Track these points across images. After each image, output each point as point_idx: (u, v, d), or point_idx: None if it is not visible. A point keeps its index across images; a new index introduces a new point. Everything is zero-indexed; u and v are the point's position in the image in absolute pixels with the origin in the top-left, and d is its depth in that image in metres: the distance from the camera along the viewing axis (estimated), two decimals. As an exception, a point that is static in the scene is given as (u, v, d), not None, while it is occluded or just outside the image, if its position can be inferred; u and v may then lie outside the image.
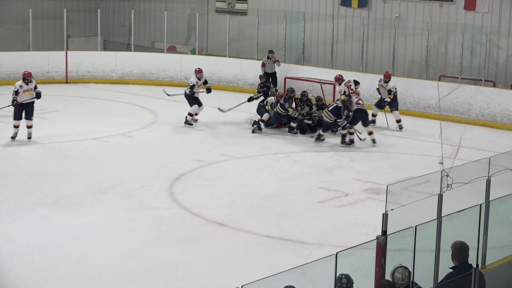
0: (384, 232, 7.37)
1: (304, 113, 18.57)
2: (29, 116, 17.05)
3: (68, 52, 25.49)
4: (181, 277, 10.27)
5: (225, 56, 25.25)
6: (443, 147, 8.39)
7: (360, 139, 17.65)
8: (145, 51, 26.75)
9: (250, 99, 20.29)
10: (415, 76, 22.26)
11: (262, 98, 20.00)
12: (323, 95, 20.25)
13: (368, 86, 20.93)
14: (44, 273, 10.23)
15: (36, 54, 24.83)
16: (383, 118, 19.47)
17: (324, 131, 17.93)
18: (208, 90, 19.23)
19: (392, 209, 7.41)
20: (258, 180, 14.83)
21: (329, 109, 17.89)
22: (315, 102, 19.20)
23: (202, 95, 19.31)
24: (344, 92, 18.84)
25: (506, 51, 21.18)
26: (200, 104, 19.15)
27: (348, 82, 19.06)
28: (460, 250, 7.56)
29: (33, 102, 17.10)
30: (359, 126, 17.80)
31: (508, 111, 19.88)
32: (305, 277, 6.69)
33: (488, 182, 8.62)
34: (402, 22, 22.93)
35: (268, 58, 22.61)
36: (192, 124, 19.03)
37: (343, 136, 17.67)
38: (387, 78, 19.31)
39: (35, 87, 17.09)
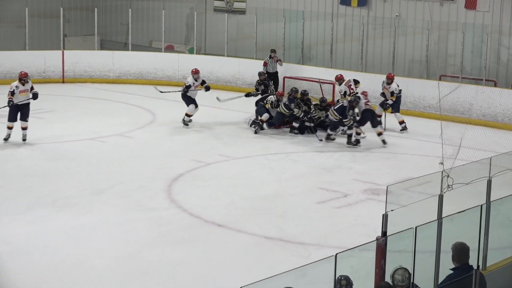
0: (384, 233, 7.39)
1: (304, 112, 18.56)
2: (24, 118, 16.88)
3: (65, 51, 25.50)
4: (179, 278, 10.28)
5: (224, 56, 25.27)
6: (444, 147, 8.41)
7: (361, 138, 17.77)
8: (142, 50, 26.77)
9: (248, 95, 20.29)
10: (415, 76, 22.27)
11: (260, 96, 19.98)
12: (323, 94, 20.28)
13: (368, 85, 20.93)
14: (42, 274, 10.23)
15: (32, 53, 24.85)
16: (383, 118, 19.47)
17: (332, 130, 17.94)
18: (207, 88, 19.20)
19: (392, 210, 7.42)
20: (257, 180, 14.84)
21: (335, 108, 17.88)
22: (318, 103, 19.20)
23: (200, 94, 19.29)
24: (345, 92, 18.86)
25: (507, 50, 21.20)
26: (196, 105, 19.08)
27: (348, 82, 19.07)
28: (460, 251, 7.58)
29: (29, 103, 16.95)
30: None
31: (510, 111, 19.91)
32: (304, 278, 6.71)
33: (489, 183, 8.63)
34: (402, 21, 22.95)
35: (270, 57, 22.58)
36: (187, 125, 19.00)
37: (349, 136, 17.66)
38: (389, 80, 19.18)
39: (32, 88, 16.94)
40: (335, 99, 19.75)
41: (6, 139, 16.93)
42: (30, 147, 16.62)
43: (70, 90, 23.99)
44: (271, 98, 19.22)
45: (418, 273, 7.54)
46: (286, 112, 18.45)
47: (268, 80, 20.64)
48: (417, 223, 7.60)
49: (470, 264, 7.60)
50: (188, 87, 18.87)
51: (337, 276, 6.86)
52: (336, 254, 6.77)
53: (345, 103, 17.73)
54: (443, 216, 7.88)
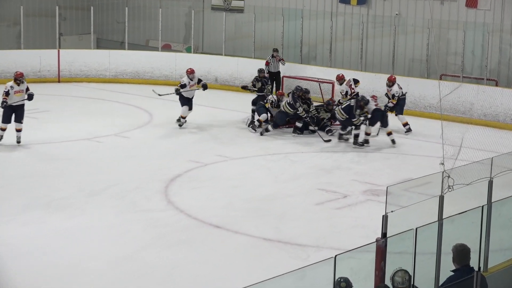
0: (384, 235, 7.37)
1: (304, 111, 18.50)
2: (19, 119, 16.67)
3: (61, 50, 25.48)
4: (177, 280, 10.27)
5: (221, 55, 25.25)
6: (444, 148, 8.40)
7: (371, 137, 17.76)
8: (139, 49, 26.75)
9: (244, 87, 20.17)
10: (415, 75, 22.27)
11: (256, 95, 19.87)
12: (322, 94, 20.27)
13: (368, 85, 20.94)
14: (37, 276, 10.22)
15: (27, 53, 24.82)
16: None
17: (343, 129, 17.88)
18: (204, 87, 19.08)
19: (392, 211, 7.41)
20: (255, 181, 14.83)
21: (342, 107, 17.86)
22: (323, 104, 19.18)
23: (198, 93, 19.20)
24: (346, 92, 18.87)
25: (509, 49, 21.20)
26: (190, 107, 18.93)
27: (348, 81, 19.10)
28: (461, 252, 7.57)
29: (23, 105, 16.73)
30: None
31: (511, 111, 19.90)
32: (303, 280, 6.70)
33: (490, 183, 8.63)
34: (402, 19, 22.94)
35: (272, 56, 22.43)
36: (181, 125, 18.91)
37: (356, 136, 17.62)
38: (389, 82, 18.83)
39: (27, 89, 16.72)
40: (336, 99, 19.72)
41: None
42: (24, 148, 16.59)
43: (65, 89, 23.97)
44: (272, 97, 19.23)
45: (419, 275, 7.54)
46: (290, 111, 18.30)
47: (267, 78, 20.48)
48: (417, 224, 7.60)
49: (471, 265, 7.59)
50: (182, 86, 18.75)
51: (336, 278, 6.85)
52: (336, 256, 6.76)
53: (352, 102, 17.69)
54: (443, 217, 7.88)
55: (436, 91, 18.32)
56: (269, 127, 18.49)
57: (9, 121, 16.69)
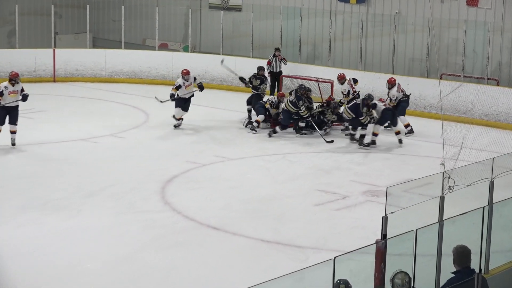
0: (383, 236, 7.38)
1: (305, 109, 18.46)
2: (13, 121, 16.52)
3: (56, 49, 25.48)
4: (173, 283, 10.27)
5: (219, 54, 25.25)
6: (445, 148, 8.41)
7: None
8: (136, 48, 26.76)
9: (241, 79, 20.05)
10: (415, 74, 22.28)
11: (252, 93, 19.83)
12: (321, 93, 20.27)
13: (367, 84, 20.95)
14: (33, 278, 10.22)
15: (22, 52, 24.82)
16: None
17: (353, 129, 17.82)
18: (201, 88, 19.03)
19: (392, 212, 7.42)
20: (253, 182, 14.84)
21: (348, 106, 17.82)
22: (322, 103, 19.19)
23: (195, 94, 19.19)
24: (348, 91, 18.87)
25: (510, 48, 21.21)
26: (185, 109, 18.82)
27: (349, 81, 19.11)
28: (462, 254, 7.58)
29: (18, 106, 16.57)
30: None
31: (512, 111, 19.93)
32: (302, 282, 6.71)
33: (491, 184, 8.64)
34: (402, 18, 22.96)
35: (274, 56, 22.27)
36: (176, 126, 18.85)
37: (361, 136, 17.59)
38: (388, 85, 18.71)
39: (22, 90, 16.57)
40: (336, 99, 19.73)
41: None
42: (20, 148, 16.56)
43: (61, 89, 23.97)
44: (272, 98, 19.26)
45: (419, 277, 7.54)
46: (293, 109, 18.26)
47: (265, 77, 20.34)
48: (417, 225, 7.60)
49: (472, 267, 7.59)
50: (178, 88, 18.65)
51: (335, 280, 6.86)
52: (335, 258, 6.77)
53: (358, 101, 17.67)
54: (444, 219, 7.89)
55: (436, 90, 18.33)
56: (277, 128, 18.38)
57: (3, 123, 16.54)
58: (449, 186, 7.88)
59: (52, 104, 21.70)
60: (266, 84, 20.09)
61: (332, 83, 20.32)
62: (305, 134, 18.54)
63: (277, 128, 18.41)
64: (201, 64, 24.79)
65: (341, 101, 19.14)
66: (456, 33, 21.86)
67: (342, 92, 19.11)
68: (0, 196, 13.63)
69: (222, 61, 20.60)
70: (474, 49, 21.71)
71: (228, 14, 26.47)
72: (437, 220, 7.88)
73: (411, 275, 7.37)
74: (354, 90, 19.11)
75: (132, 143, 17.56)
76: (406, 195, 8.05)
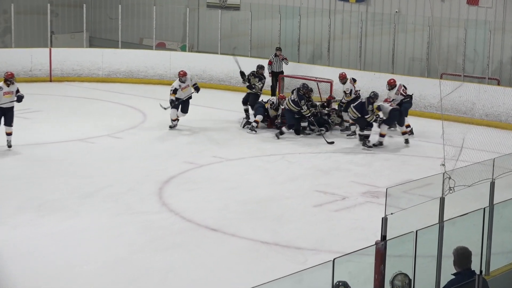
0: (383, 237, 7.38)
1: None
2: (9, 123, 16.41)
3: (52, 49, 25.47)
4: (171, 285, 10.27)
5: (217, 53, 25.26)
6: (445, 148, 8.41)
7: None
8: (133, 48, 26.75)
9: (242, 73, 20.01)
10: (415, 74, 22.30)
11: (248, 92, 19.82)
12: (320, 93, 20.27)
13: (367, 84, 20.93)
14: (28, 280, 10.22)
15: (18, 51, 24.81)
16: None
17: (362, 130, 17.71)
18: (197, 89, 18.96)
19: (391, 213, 7.42)
20: (251, 183, 14.84)
21: (354, 105, 17.76)
22: (323, 103, 19.19)
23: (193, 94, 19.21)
24: (351, 90, 18.84)
25: (511, 47, 21.22)
26: (184, 111, 18.76)
27: (351, 80, 19.10)
28: (462, 256, 7.58)
29: (13, 107, 16.45)
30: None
31: (513, 111, 19.94)
32: (301, 284, 6.71)
33: (492, 185, 8.65)
34: (402, 17, 22.97)
35: (275, 55, 22.07)
36: (172, 127, 18.77)
37: (366, 137, 17.54)
38: (388, 86, 18.80)
39: (17, 91, 16.43)
40: (337, 99, 19.73)
41: None
42: (15, 149, 16.53)
43: (57, 89, 23.96)
44: (273, 99, 19.28)
45: (419, 279, 7.54)
46: (294, 108, 18.19)
47: (264, 76, 20.27)
48: (417, 226, 7.60)
49: (472, 269, 7.60)
50: (175, 91, 18.56)
51: (334, 282, 6.86)
52: (334, 259, 6.77)
53: (364, 99, 17.64)
54: (444, 220, 7.89)
55: (436, 90, 18.32)
56: (284, 128, 18.29)
57: None
58: (450, 187, 7.88)
59: (48, 104, 21.69)
60: (261, 83, 20.00)
61: (331, 82, 20.33)
62: (309, 134, 18.51)
63: (284, 129, 18.28)
64: (199, 63, 24.80)
65: (342, 100, 19.11)
66: (457, 32, 21.86)
67: (344, 92, 19.03)
68: (-5, 197, 13.64)
69: (235, 59, 20.60)
70: (474, 48, 21.72)
71: (226, 13, 26.47)
72: (437, 221, 7.88)
73: (411, 276, 7.37)
74: (356, 89, 19.11)
75: (129, 144, 17.55)
76: (406, 196, 8.05)
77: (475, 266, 7.77)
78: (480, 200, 8.69)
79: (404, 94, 18.64)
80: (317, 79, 20.75)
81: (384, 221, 7.39)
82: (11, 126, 16.51)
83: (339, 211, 13.25)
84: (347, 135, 18.51)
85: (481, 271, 8.10)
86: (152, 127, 19.12)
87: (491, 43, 21.06)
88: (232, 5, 26.99)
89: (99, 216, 12.72)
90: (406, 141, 17.89)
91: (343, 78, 19.12)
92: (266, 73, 21.51)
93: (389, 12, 23.26)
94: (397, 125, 18.18)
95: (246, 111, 19.67)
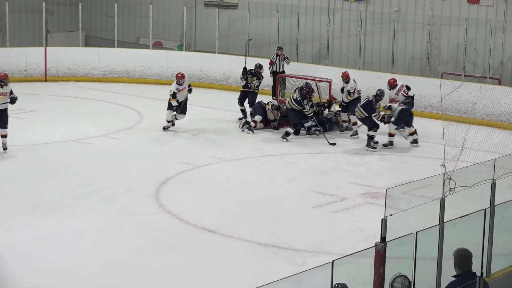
0: (383, 239, 7.39)
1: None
2: (3, 125, 16.31)
3: (47, 48, 25.45)
4: (168, 287, 10.27)
5: (214, 53, 25.25)
6: (446, 149, 8.42)
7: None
8: (129, 47, 26.75)
9: (245, 69, 19.95)
10: (415, 73, 22.31)
11: (244, 91, 19.83)
12: (319, 93, 20.27)
13: (366, 84, 20.93)
14: (23, 283, 10.21)
15: (13, 51, 24.80)
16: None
17: (370, 130, 17.60)
18: (189, 91, 18.89)
19: (391, 215, 7.42)
20: (249, 184, 14.84)
21: (361, 104, 17.69)
22: (323, 103, 19.20)
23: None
24: (354, 89, 18.82)
25: (512, 46, 21.27)
26: (183, 112, 18.68)
27: (352, 80, 19.10)
28: (463, 257, 7.58)
29: (7, 109, 16.34)
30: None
31: (514, 111, 19.95)
32: (299, 286, 6.70)
33: (493, 186, 8.65)
34: (402, 16, 22.97)
35: (277, 55, 21.96)
36: (165, 128, 18.69)
37: (371, 138, 17.48)
38: (389, 86, 18.77)
39: (11, 92, 16.30)
40: (338, 99, 19.73)
41: None
42: (10, 149, 16.50)
43: (53, 89, 23.95)
44: (273, 101, 19.28)
45: (419, 281, 7.55)
46: (296, 107, 18.11)
47: (261, 76, 20.24)
48: (417, 228, 7.60)
49: (473, 271, 7.60)
50: (174, 96, 18.49)
51: (333, 284, 6.85)
52: (333, 261, 6.77)
53: (371, 97, 17.59)
54: (445, 221, 7.89)
55: (437, 90, 18.30)
56: (289, 129, 18.19)
57: None
58: (450, 188, 7.88)
59: (43, 104, 21.68)
60: (258, 82, 19.96)
61: (330, 82, 20.32)
62: (314, 134, 18.47)
63: (289, 130, 18.17)
64: (196, 63, 24.80)
65: (345, 100, 19.02)
66: (457, 31, 21.87)
67: (348, 91, 18.90)
68: (-11, 198, 13.64)
69: (250, 40, 20.55)
70: (475, 47, 21.73)
71: (223, 12, 26.46)
72: (437, 223, 7.88)
73: (411, 279, 7.37)
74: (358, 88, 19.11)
75: (126, 144, 17.55)
76: (406, 197, 8.05)
77: (476, 268, 7.77)
78: (481, 201, 8.69)
79: (405, 94, 18.64)
80: (316, 79, 20.73)
81: (384, 222, 7.39)
82: (6, 128, 16.41)
83: (338, 212, 13.26)
84: (350, 136, 18.52)
85: (482, 273, 8.10)
86: (149, 127, 19.11)
87: (492, 42, 21.06)
88: (229, 3, 26.98)
89: (96, 217, 12.72)
90: (415, 141, 17.85)
91: (346, 77, 19.02)
92: (267, 73, 21.52)
93: (388, 11, 23.27)
94: (405, 126, 18.09)
95: (243, 111, 19.66)
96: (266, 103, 19.29)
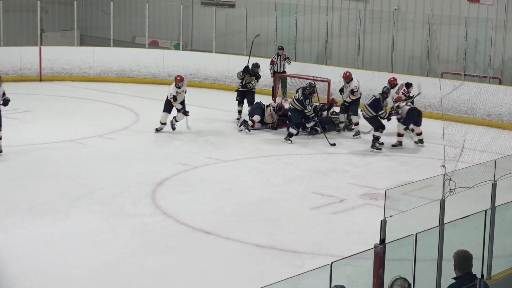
0: (382, 241, 7.39)
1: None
2: None
3: (42, 47, 25.44)
4: (164, 290, 10.29)
5: (212, 52, 25.25)
6: (446, 149, 8.42)
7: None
8: (125, 46, 26.72)
9: (246, 67, 19.97)
10: (415, 73, 22.30)
11: (242, 90, 19.83)
12: (317, 93, 20.25)
13: (365, 83, 20.93)
14: (18, 285, 10.21)
15: (7, 50, 24.77)
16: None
17: (375, 130, 17.55)
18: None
19: (391, 216, 7.42)
20: (247, 184, 14.84)
21: (368, 103, 17.62)
22: (322, 104, 19.22)
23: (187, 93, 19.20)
24: (358, 88, 18.81)
25: (513, 46, 21.28)
26: (185, 113, 18.65)
27: (355, 79, 19.09)
28: (463, 259, 7.58)
29: (0, 110, 16.15)
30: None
31: (515, 110, 19.96)
32: (298, 289, 6.72)
33: (494, 187, 8.66)
34: (401, 14, 22.98)
35: (278, 55, 21.94)
36: (158, 130, 18.61)
37: (376, 138, 17.44)
38: (389, 85, 18.79)
39: (3, 94, 16.11)
40: (338, 98, 19.73)
41: None
42: (5, 150, 16.47)
43: (47, 88, 23.94)
44: (274, 104, 19.32)
45: (419, 283, 7.55)
46: (299, 107, 18.08)
47: (259, 75, 20.23)
48: (417, 229, 7.61)
49: (473, 273, 7.60)
50: (175, 99, 18.43)
51: (332, 286, 6.86)
52: (332, 263, 6.77)
53: (377, 95, 17.57)
54: (445, 222, 7.90)
55: (437, 89, 18.33)
56: (292, 130, 18.09)
57: None
58: (450, 189, 7.89)
59: (38, 104, 21.66)
60: (256, 81, 19.96)
61: (328, 82, 20.32)
62: (315, 134, 18.46)
63: (292, 130, 18.09)
64: (193, 62, 24.79)
65: (347, 100, 18.94)
66: (457, 30, 21.88)
67: (352, 90, 18.81)
68: (-17, 199, 13.62)
69: (257, 36, 20.56)
70: (475, 46, 21.74)
71: (221, 11, 26.47)
72: (437, 224, 7.89)
73: (410, 281, 7.38)
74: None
75: (121, 145, 17.54)
76: (406, 198, 8.06)
77: (476, 270, 7.78)
78: (481, 202, 8.70)
79: (405, 94, 18.63)
80: (314, 78, 20.72)
81: (383, 223, 7.40)
82: (0, 130, 16.19)
83: (337, 213, 13.26)
84: (353, 136, 18.53)
85: (482, 275, 8.11)
86: (145, 127, 19.09)
87: (493, 41, 21.07)
88: (227, 2, 26.98)
89: (91, 219, 12.71)
90: (420, 141, 17.83)
91: (347, 78, 18.95)
92: (266, 73, 21.51)
93: (388, 10, 23.27)
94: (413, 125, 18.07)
95: (241, 112, 19.66)
96: (267, 105, 19.26)
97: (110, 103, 22.09)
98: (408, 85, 18.72)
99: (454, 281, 7.56)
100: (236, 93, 20.14)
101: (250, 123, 18.84)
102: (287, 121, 18.62)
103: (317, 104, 18.98)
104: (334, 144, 17.76)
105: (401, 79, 19.51)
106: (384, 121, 17.50)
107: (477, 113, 20.13)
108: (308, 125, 18.41)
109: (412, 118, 17.81)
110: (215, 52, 25.16)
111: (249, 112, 19.39)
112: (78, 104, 21.95)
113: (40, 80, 24.97)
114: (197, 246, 11.72)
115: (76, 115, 20.36)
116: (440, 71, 21.68)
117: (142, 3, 26.99)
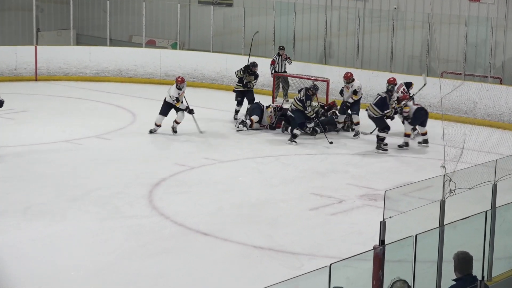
0: (381, 242, 7.39)
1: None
2: None
3: (38, 46, 25.42)
4: (161, 292, 10.28)
5: (209, 51, 25.25)
6: (446, 149, 8.42)
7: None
8: (122, 45, 26.73)
9: (247, 66, 19.98)
10: (415, 73, 22.30)
11: (241, 90, 19.85)
12: (316, 94, 20.26)
13: (365, 83, 20.90)
14: (14, 286, 10.20)
15: (2, 49, 24.74)
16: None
17: (380, 130, 17.50)
18: None
19: (390, 217, 7.43)
20: (245, 185, 14.84)
21: (374, 102, 17.57)
22: (323, 104, 19.25)
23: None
24: (361, 88, 18.80)
25: (514, 45, 21.28)
26: (190, 111, 18.57)
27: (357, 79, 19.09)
28: (463, 261, 7.59)
29: None
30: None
31: (516, 110, 19.97)
32: (296, 290, 6.71)
33: (494, 187, 8.66)
34: (401, 14, 22.99)
35: (278, 55, 21.95)
36: (152, 132, 18.54)
37: (381, 139, 17.39)
38: (389, 85, 18.84)
39: None
40: (337, 99, 19.74)
41: None
42: (0, 151, 16.50)
43: (43, 88, 23.92)
44: (274, 105, 19.35)
45: (418, 285, 7.55)
46: (300, 107, 18.05)
47: (257, 75, 20.20)
48: (417, 230, 7.61)
49: (474, 274, 7.61)
50: (177, 100, 18.39)
51: (331, 288, 6.87)
52: (331, 265, 6.77)
53: (383, 94, 17.54)
54: (445, 223, 7.90)
55: (436, 89, 18.28)
56: (296, 131, 18.05)
57: None
58: (450, 190, 7.89)
59: (34, 104, 21.64)
60: (255, 80, 19.97)
61: (327, 81, 20.31)
62: (317, 133, 18.44)
63: (296, 131, 18.02)
64: (190, 62, 24.79)
65: (349, 101, 18.90)
66: (457, 30, 21.89)
67: (355, 90, 18.78)
68: (-21, 200, 13.62)
69: (256, 33, 20.60)
70: (476, 46, 21.74)
71: (218, 10, 26.47)
72: (437, 225, 7.89)
73: (410, 282, 7.38)
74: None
75: (118, 145, 17.53)
76: (405, 198, 8.06)
77: (476, 271, 7.79)
78: (481, 203, 8.71)
79: (404, 93, 18.62)
80: (313, 78, 20.74)
81: (383, 225, 7.40)
82: None
83: (336, 214, 13.26)
84: (353, 136, 18.54)
85: (483, 277, 8.12)
86: (141, 128, 19.06)
87: (493, 41, 21.08)
88: (224, 1, 26.99)
89: (87, 220, 12.70)
90: (425, 141, 17.80)
91: (349, 78, 18.90)
92: (265, 72, 21.50)
93: (387, 9, 23.28)
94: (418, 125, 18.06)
95: (238, 112, 19.67)
96: (267, 106, 19.25)
97: (107, 103, 22.08)
98: (408, 85, 18.72)
99: (454, 282, 7.57)
100: (234, 93, 20.16)
101: (248, 122, 18.84)
102: (283, 121, 18.66)
103: (320, 109, 18.91)
104: (331, 142, 17.75)
105: (401, 79, 19.50)
106: (388, 121, 17.48)
107: (478, 113, 20.14)
108: (309, 126, 18.40)
109: (420, 118, 17.80)
110: (213, 52, 25.17)
111: (247, 110, 19.39)
112: (74, 104, 21.93)
113: (36, 80, 24.95)
114: (195, 247, 11.72)
115: (72, 115, 20.35)
116: (440, 71, 21.69)
117: (139, 2, 26.98)
